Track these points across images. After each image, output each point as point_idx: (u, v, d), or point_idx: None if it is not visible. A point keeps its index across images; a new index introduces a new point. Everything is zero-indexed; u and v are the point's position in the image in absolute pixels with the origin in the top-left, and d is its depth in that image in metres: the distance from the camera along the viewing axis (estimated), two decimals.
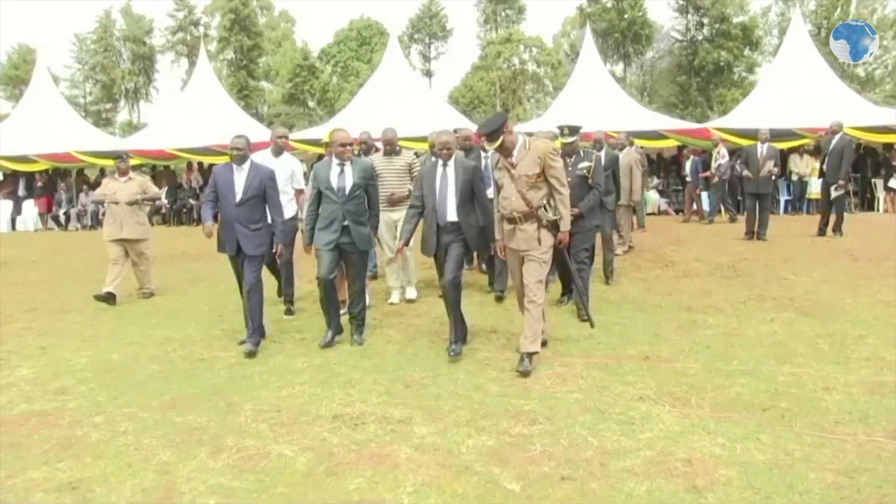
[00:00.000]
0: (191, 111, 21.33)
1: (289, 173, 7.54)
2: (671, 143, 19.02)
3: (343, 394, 4.98)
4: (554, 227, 5.34)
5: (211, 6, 54.03)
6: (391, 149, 7.93)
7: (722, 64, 45.86)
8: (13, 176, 22.28)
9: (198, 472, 3.81)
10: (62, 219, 20.80)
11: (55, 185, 21.60)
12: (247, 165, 6.20)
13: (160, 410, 4.75)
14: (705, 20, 47.36)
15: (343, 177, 6.11)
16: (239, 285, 6.49)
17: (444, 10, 53.80)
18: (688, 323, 6.67)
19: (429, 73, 52.55)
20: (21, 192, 21.97)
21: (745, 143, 15.67)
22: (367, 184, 6.24)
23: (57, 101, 23.81)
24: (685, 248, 11.45)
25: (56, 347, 6.63)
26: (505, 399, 4.72)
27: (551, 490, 3.46)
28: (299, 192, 7.71)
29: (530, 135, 5.64)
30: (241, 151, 6.19)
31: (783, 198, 18.22)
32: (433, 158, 6.24)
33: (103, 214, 21.70)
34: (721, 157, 16.00)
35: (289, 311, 7.59)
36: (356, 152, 7.23)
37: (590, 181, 7.08)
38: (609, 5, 48.80)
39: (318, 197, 6.19)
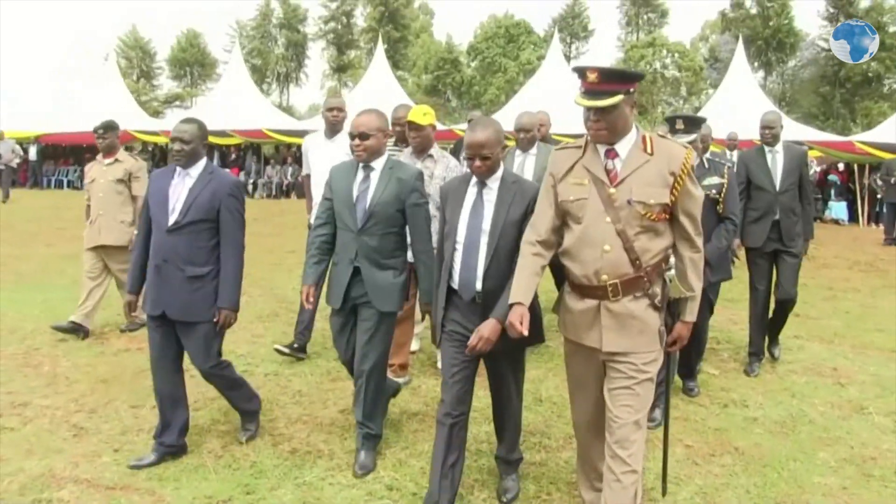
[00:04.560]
0: (367, 98, 23.90)
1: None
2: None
3: None
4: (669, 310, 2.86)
5: None
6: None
7: (871, 75, 44.85)
8: (210, 148, 25.55)
9: None
10: (249, 188, 23.82)
11: (245, 158, 24.75)
12: (197, 170, 3.69)
13: None
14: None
15: (366, 187, 3.67)
16: (156, 365, 3.74)
17: (586, 11, 55.00)
18: (830, 297, 8.24)
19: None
20: (216, 162, 25.19)
21: (889, 157, 16.42)
22: (409, 204, 3.65)
23: (248, 84, 27.02)
24: (824, 248, 12.66)
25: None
26: None
27: None
28: None
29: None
30: (186, 146, 3.63)
31: None
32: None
33: (287, 185, 25.10)
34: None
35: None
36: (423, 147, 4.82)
37: (719, 208, 4.57)
38: (754, 12, 48.68)
39: (331, 213, 3.75)
